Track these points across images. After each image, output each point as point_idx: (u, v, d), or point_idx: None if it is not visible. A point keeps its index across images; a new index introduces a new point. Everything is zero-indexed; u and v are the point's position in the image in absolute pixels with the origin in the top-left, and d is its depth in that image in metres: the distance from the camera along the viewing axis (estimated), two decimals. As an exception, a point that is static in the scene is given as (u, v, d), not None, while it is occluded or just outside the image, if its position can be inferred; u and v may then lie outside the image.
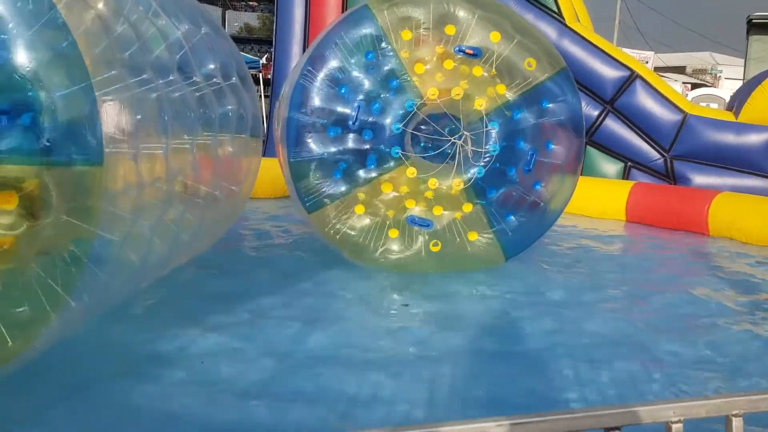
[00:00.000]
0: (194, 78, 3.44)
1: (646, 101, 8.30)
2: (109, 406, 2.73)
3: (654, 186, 7.92)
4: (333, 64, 4.45)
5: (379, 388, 3.00)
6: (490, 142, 4.50)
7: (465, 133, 4.49)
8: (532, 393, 3.00)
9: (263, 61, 17.51)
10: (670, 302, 4.48)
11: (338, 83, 4.44)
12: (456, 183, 4.52)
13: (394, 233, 4.51)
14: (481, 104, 4.47)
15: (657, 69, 24.21)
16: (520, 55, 4.50)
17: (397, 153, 4.44)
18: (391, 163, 4.49)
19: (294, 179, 4.52)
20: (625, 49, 11.77)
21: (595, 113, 8.42)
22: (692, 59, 32.63)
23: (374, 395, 2.93)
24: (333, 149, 4.44)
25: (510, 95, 4.51)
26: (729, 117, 8.30)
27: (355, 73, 4.43)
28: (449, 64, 4.46)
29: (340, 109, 4.44)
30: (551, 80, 4.56)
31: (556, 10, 8.50)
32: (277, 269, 4.95)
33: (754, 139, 7.95)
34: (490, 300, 4.46)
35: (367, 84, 4.43)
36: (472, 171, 4.54)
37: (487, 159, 4.53)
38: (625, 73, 8.34)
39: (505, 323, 4.05)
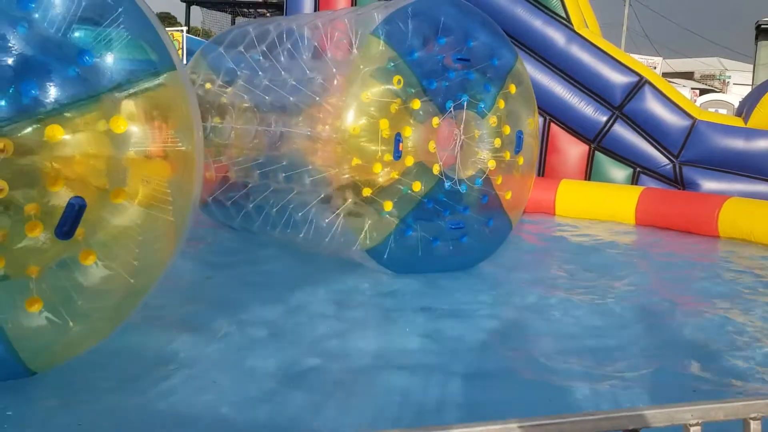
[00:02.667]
0: None
1: (654, 107, 8.29)
2: (112, 413, 2.74)
3: (663, 191, 7.91)
4: None
5: (390, 391, 3.02)
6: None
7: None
8: (546, 398, 3.01)
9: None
10: (680, 306, 4.48)
11: None
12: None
13: None
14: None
15: (665, 75, 24.16)
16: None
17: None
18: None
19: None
20: (633, 55, 11.78)
21: (604, 119, 8.42)
22: (700, 65, 32.57)
23: (385, 398, 2.94)
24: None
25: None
26: (738, 122, 8.29)
27: None
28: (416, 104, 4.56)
29: None
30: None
31: (565, 16, 8.52)
32: (276, 274, 4.95)
33: (763, 144, 7.93)
34: (499, 305, 4.46)
35: None
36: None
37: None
38: (633, 79, 8.34)
39: (515, 328, 4.05)
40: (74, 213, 2.52)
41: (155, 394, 2.88)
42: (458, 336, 3.77)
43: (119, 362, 3.19)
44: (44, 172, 2.51)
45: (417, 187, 4.57)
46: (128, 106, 2.65)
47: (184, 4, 22.57)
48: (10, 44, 2.47)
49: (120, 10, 2.64)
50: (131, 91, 2.65)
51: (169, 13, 42.51)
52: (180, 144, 2.79)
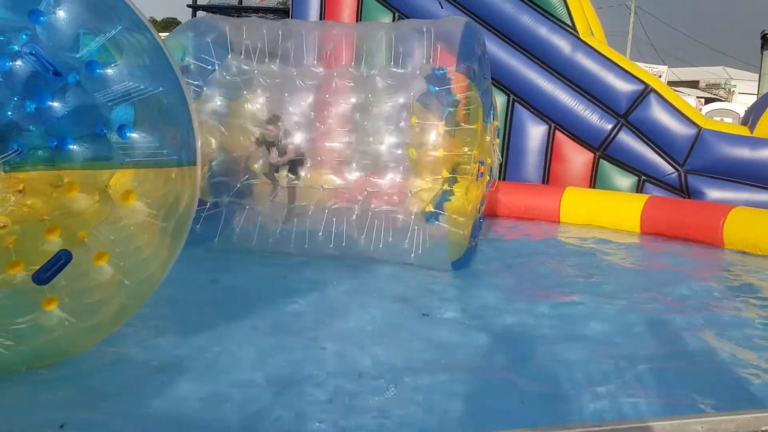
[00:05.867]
0: None
1: (660, 115, 8.26)
2: (117, 419, 2.73)
3: (669, 200, 7.88)
4: None
5: (397, 398, 3.00)
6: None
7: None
8: (552, 407, 2.98)
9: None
10: (687, 316, 4.45)
11: None
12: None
13: None
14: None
15: (670, 83, 24.14)
16: None
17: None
18: None
19: None
20: (638, 63, 11.76)
21: (609, 127, 8.40)
22: (706, 73, 32.53)
23: (391, 404, 2.92)
24: None
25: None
26: (744, 131, 8.26)
27: None
28: None
29: None
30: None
31: (570, 24, 8.51)
32: (276, 279, 4.93)
33: (769, 153, 7.89)
34: (503, 312, 4.44)
35: None
36: None
37: None
38: (639, 87, 8.32)
39: (518, 335, 4.03)
40: (59, 264, 2.64)
41: (156, 400, 2.87)
42: (461, 343, 3.75)
43: (119, 366, 3.18)
44: (48, 219, 2.63)
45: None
46: (141, 180, 2.80)
47: (190, 10, 22.66)
48: (66, 96, 2.62)
49: (168, 98, 2.86)
50: (150, 169, 2.83)
51: (175, 18, 42.73)
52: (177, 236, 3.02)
